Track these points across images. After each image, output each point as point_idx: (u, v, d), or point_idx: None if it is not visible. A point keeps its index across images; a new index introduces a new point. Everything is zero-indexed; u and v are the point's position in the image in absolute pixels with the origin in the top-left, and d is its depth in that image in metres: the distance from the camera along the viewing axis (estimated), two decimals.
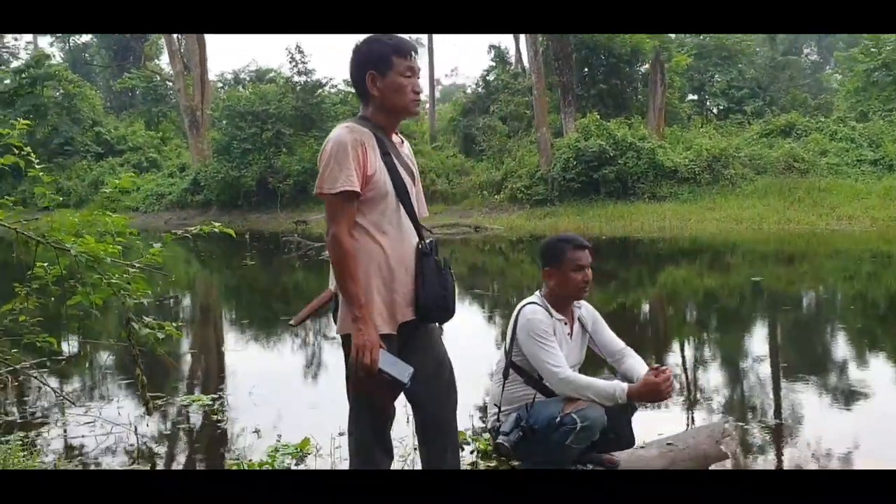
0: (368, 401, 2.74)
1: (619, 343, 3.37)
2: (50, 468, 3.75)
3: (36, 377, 5.34)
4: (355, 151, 2.64)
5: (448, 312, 2.83)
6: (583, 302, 3.39)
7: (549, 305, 3.25)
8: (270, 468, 3.90)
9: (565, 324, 3.28)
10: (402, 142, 2.92)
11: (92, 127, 40.55)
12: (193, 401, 5.40)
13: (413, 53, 2.76)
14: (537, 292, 3.34)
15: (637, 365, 3.23)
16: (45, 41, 53.08)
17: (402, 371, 2.62)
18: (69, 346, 7.53)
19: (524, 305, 3.26)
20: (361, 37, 2.81)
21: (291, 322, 3.06)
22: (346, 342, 2.72)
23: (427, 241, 2.83)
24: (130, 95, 48.70)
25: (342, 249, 2.62)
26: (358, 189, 2.64)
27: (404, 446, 4.06)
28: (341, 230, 2.63)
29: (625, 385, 3.04)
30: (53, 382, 6.02)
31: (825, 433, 4.49)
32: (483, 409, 4.61)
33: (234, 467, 3.92)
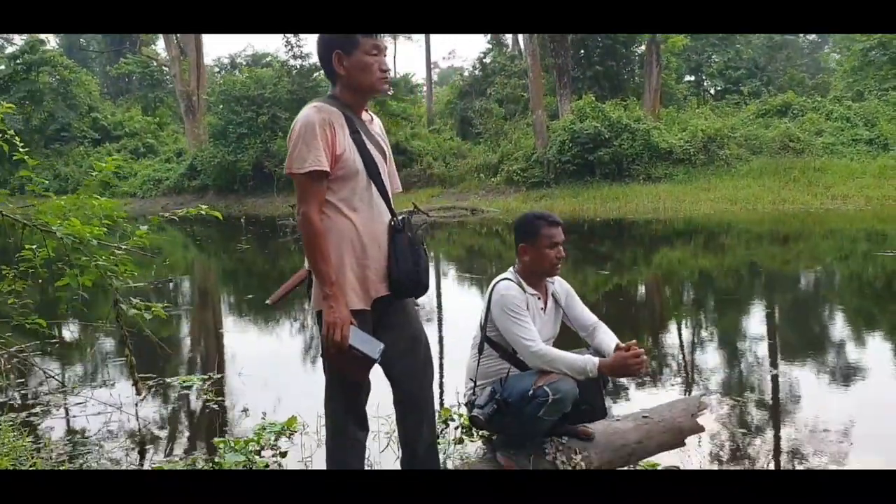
0: (342, 376, 2.79)
1: (591, 318, 3.41)
2: (49, 468, 3.80)
3: (27, 359, 5.39)
4: (323, 131, 2.67)
5: (421, 287, 2.87)
6: (556, 277, 3.43)
7: (522, 281, 3.30)
8: (254, 459, 3.96)
9: (539, 298, 3.32)
10: (372, 119, 2.94)
11: (88, 113, 40.47)
12: (184, 381, 5.46)
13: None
14: (511, 268, 3.38)
15: (608, 339, 3.28)
16: None
17: (372, 348, 2.67)
18: (61, 329, 7.59)
19: (498, 281, 3.30)
20: None
21: (268, 301, 3.11)
22: (320, 318, 2.76)
23: (399, 217, 2.86)
24: (127, 81, 48.56)
25: (312, 228, 2.66)
26: (327, 168, 2.67)
27: (390, 422, 4.10)
28: (311, 209, 2.67)
29: (596, 359, 3.09)
30: (46, 364, 6.08)
31: (820, 412, 4.52)
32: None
33: (221, 445, 3.97)
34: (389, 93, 2.92)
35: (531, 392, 3.02)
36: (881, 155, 21.48)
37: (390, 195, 2.87)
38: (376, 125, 2.94)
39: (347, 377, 2.79)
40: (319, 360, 3.11)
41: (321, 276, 2.66)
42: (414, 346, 2.94)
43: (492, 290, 3.28)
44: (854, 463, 3.77)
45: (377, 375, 2.86)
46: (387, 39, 2.84)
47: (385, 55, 2.80)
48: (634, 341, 3.14)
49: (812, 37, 42.88)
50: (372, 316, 2.80)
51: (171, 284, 11.10)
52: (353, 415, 2.84)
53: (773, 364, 5.74)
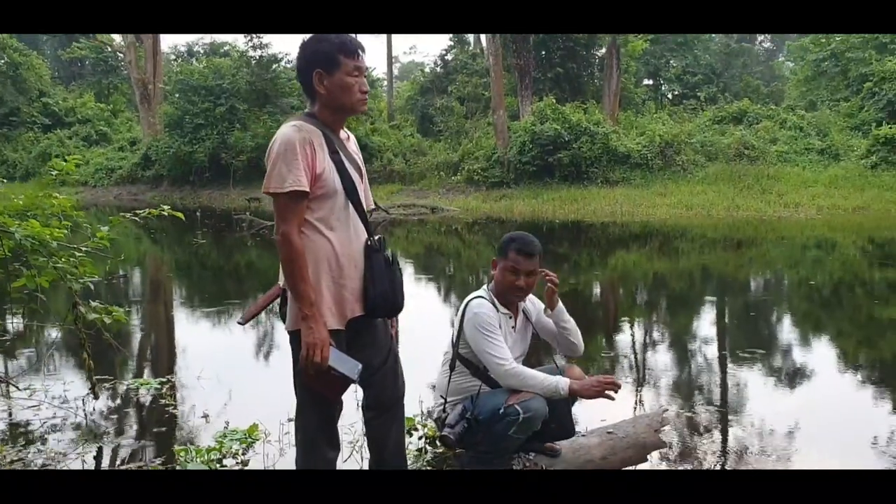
0: (315, 395, 2.77)
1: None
2: (49, 468, 3.70)
3: None
4: (303, 150, 2.64)
5: (396, 308, 2.88)
6: (530, 294, 3.46)
7: (494, 299, 3.31)
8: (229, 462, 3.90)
9: (510, 317, 3.35)
10: (349, 137, 2.93)
11: (39, 97, 39.52)
12: (142, 384, 5.35)
13: (360, 52, 2.76)
14: (485, 286, 3.40)
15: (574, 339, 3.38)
16: None
17: (351, 368, 2.66)
18: (14, 326, 7.39)
19: (471, 299, 3.31)
20: None
21: (240, 321, 3.07)
22: (295, 338, 2.75)
23: (376, 237, 2.85)
24: (80, 66, 47.45)
25: (292, 248, 2.63)
26: (307, 189, 2.65)
27: (353, 432, 4.09)
28: (291, 229, 2.64)
29: (567, 381, 3.13)
30: None
31: (767, 417, 4.64)
32: (432, 392, 4.66)
33: (182, 453, 3.91)
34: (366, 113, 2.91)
35: (502, 410, 3.05)
36: (832, 165, 22.04)
37: (367, 214, 2.86)
38: (352, 143, 2.93)
39: (325, 397, 2.77)
40: (280, 366, 3.09)
41: (301, 297, 2.63)
42: (387, 361, 2.95)
43: (465, 307, 3.29)
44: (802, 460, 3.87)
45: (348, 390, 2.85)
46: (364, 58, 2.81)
47: (365, 76, 2.79)
48: (610, 377, 3.21)
49: (768, 45, 43.81)
50: (345, 335, 2.79)
51: (122, 280, 10.87)
52: (325, 433, 2.83)
53: (723, 366, 5.89)
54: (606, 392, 3.14)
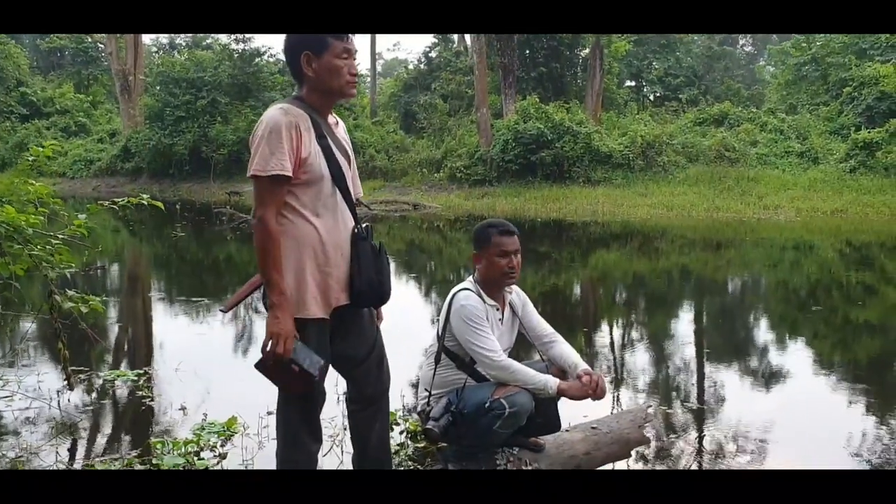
0: (279, 387, 2.73)
1: (547, 328, 3.42)
2: (49, 468, 3.63)
3: None
4: (289, 133, 2.58)
5: (383, 297, 2.83)
6: (514, 287, 3.43)
7: (481, 291, 3.29)
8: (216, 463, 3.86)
9: (497, 309, 3.32)
10: (337, 122, 2.88)
11: (17, 87, 39.01)
12: (118, 375, 5.28)
13: (349, 35, 2.72)
14: (470, 278, 3.37)
15: (566, 352, 3.30)
16: None
17: (313, 363, 2.59)
18: None
19: (458, 291, 3.28)
20: None
21: (222, 309, 3.02)
22: None
23: (363, 225, 2.80)
24: (59, 56, 46.88)
25: (268, 233, 2.58)
26: (289, 174, 2.59)
27: (334, 426, 4.05)
28: (268, 213, 2.58)
29: (556, 381, 3.12)
30: None
31: (744, 414, 4.66)
32: (414, 388, 4.64)
33: (159, 446, 3.85)
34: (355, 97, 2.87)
35: (487, 404, 3.02)
36: (811, 168, 22.22)
37: (354, 202, 2.82)
38: (341, 129, 2.88)
39: (283, 391, 2.73)
40: (255, 354, 3.04)
41: (270, 284, 2.59)
42: (372, 351, 2.91)
43: (451, 299, 3.25)
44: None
45: (330, 380, 2.81)
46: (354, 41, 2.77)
47: (355, 59, 2.74)
48: (598, 375, 3.19)
49: (749, 48, 44.17)
50: (330, 324, 2.75)
51: (100, 272, 10.74)
52: (307, 425, 2.78)
53: (700, 365, 5.93)
54: (596, 395, 3.14)
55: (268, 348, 2.58)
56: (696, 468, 3.83)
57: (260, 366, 2.65)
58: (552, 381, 3.10)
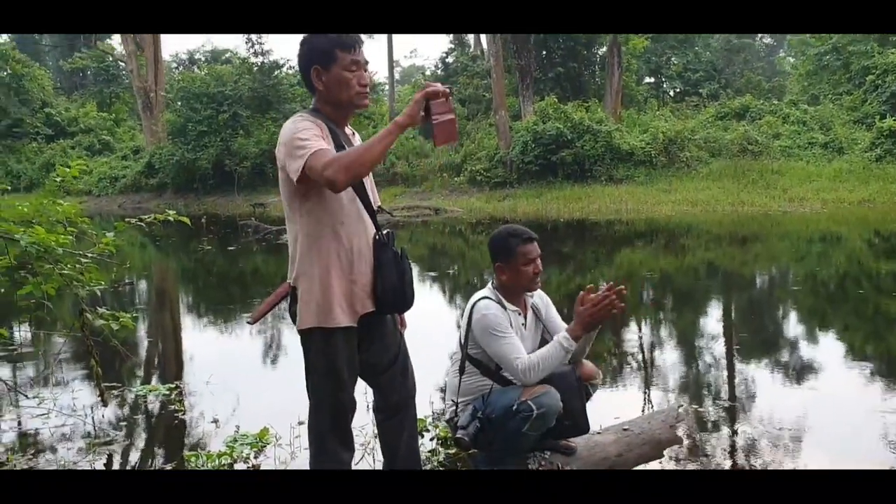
0: (328, 396, 2.75)
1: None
2: (49, 468, 3.69)
3: None
4: (316, 130, 2.63)
5: (406, 302, 2.85)
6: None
7: (501, 298, 3.28)
8: (233, 465, 3.89)
9: (519, 314, 3.31)
10: (354, 133, 2.92)
11: (42, 108, 39.65)
12: (150, 390, 5.34)
13: (357, 47, 2.74)
14: (489, 285, 3.36)
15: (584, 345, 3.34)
16: None
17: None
18: (21, 335, 7.39)
19: (477, 300, 3.27)
20: None
21: (249, 320, 3.05)
22: (306, 337, 2.73)
23: (384, 231, 2.83)
24: (81, 76, 47.57)
25: (347, 158, 2.53)
26: (326, 146, 2.59)
27: (364, 434, 4.07)
28: (331, 171, 2.49)
29: (563, 332, 3.12)
30: (5, 373, 5.92)
31: (777, 412, 4.61)
32: (442, 392, 4.64)
33: (192, 459, 3.89)
34: (367, 107, 2.89)
35: (515, 407, 3.02)
36: (836, 158, 21.97)
37: (374, 209, 2.84)
38: (357, 139, 2.91)
39: (336, 396, 2.74)
40: (289, 369, 3.06)
41: (384, 138, 2.56)
42: (396, 359, 2.93)
43: (471, 308, 3.25)
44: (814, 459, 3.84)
45: (360, 389, 2.83)
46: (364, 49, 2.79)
47: (365, 69, 2.76)
48: (591, 285, 3.17)
49: (768, 40, 43.72)
50: (357, 331, 2.77)
51: (128, 287, 10.87)
52: (339, 434, 2.80)
53: (730, 362, 5.86)
54: (603, 311, 3.11)
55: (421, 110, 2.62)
56: (730, 468, 3.80)
57: (311, 375, 2.66)
58: (563, 337, 3.11)
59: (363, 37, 2.77)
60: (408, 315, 3.06)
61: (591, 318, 3.14)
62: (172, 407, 5.02)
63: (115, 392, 5.32)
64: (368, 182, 2.86)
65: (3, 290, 4.27)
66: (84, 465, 4.04)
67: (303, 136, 2.58)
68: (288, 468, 3.86)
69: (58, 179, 4.35)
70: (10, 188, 4.92)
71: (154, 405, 5.12)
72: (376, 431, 3.11)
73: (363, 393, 3.04)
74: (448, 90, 2.64)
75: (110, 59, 43.31)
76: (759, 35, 43.30)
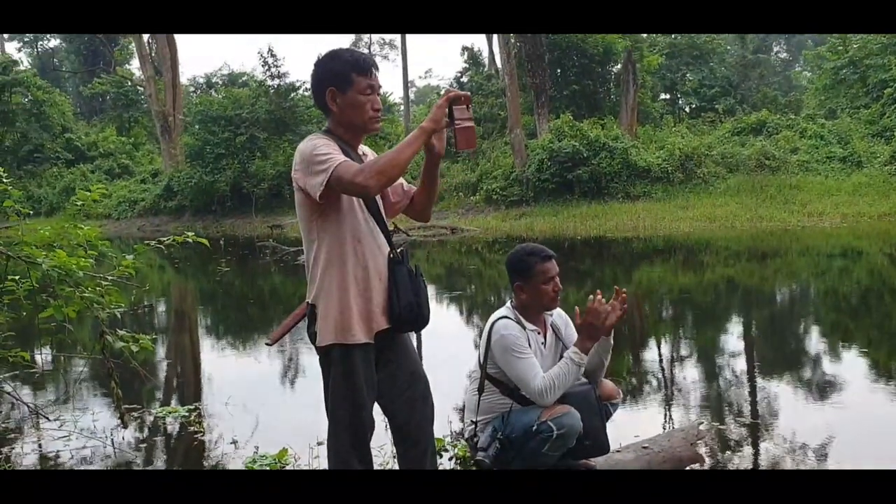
0: (348, 415, 2.74)
1: None
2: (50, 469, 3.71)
3: (9, 393, 5.26)
4: (334, 145, 2.68)
5: (422, 320, 2.84)
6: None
7: (520, 317, 3.27)
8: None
9: (539, 333, 3.30)
10: (365, 154, 2.93)
11: (62, 133, 40.14)
12: (170, 412, 5.35)
13: (373, 71, 2.76)
14: (508, 304, 3.35)
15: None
16: (12, 47, 52.50)
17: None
18: (42, 357, 7.45)
19: (496, 320, 3.26)
20: (332, 39, 2.82)
21: (268, 341, 3.05)
22: (325, 356, 2.73)
23: (398, 249, 2.83)
24: (101, 101, 48.22)
25: (378, 165, 2.58)
26: (345, 158, 2.63)
27: (383, 454, 4.06)
28: (361, 177, 2.55)
29: (573, 347, 3.15)
30: (27, 395, 5.96)
31: (800, 429, 4.55)
32: (460, 412, 4.62)
33: None
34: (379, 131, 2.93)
35: (535, 427, 3.00)
36: (855, 172, 21.79)
37: (388, 228, 2.86)
38: (370, 157, 2.93)
39: (356, 415, 2.75)
40: (307, 390, 3.06)
41: (412, 142, 2.64)
42: (413, 380, 2.91)
43: (490, 328, 3.24)
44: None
45: (378, 412, 2.82)
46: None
47: (379, 94, 2.79)
48: (590, 297, 3.17)
49: (784, 55, 43.67)
50: (374, 348, 2.77)
51: (147, 308, 10.93)
52: (358, 453, 2.78)
53: (751, 379, 5.79)
54: (605, 321, 3.13)
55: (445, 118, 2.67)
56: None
57: (330, 395, 2.66)
58: (573, 351, 3.13)
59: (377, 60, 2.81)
60: (425, 334, 3.05)
61: (589, 326, 3.14)
62: (192, 428, 5.03)
63: (135, 414, 5.34)
64: (381, 201, 2.87)
65: (24, 314, 4.30)
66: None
67: (322, 152, 2.62)
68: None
69: (78, 203, 4.40)
70: (31, 213, 5.01)
71: (173, 427, 5.14)
72: (398, 463, 3.06)
73: (382, 414, 3.02)
74: (468, 96, 2.69)
75: (129, 84, 43.84)
76: (774, 50, 43.23)
